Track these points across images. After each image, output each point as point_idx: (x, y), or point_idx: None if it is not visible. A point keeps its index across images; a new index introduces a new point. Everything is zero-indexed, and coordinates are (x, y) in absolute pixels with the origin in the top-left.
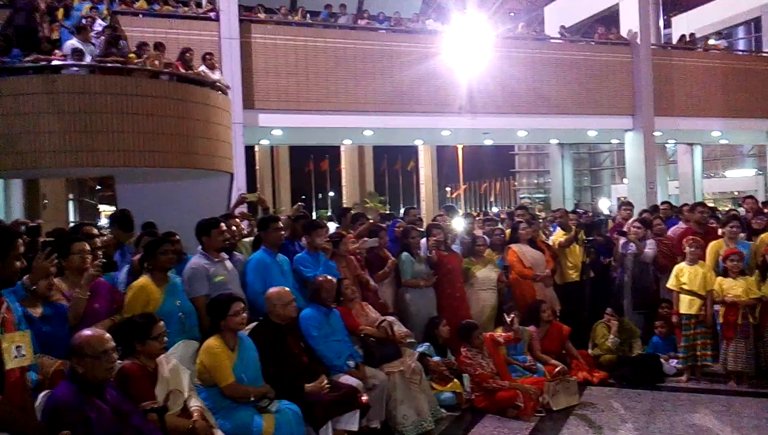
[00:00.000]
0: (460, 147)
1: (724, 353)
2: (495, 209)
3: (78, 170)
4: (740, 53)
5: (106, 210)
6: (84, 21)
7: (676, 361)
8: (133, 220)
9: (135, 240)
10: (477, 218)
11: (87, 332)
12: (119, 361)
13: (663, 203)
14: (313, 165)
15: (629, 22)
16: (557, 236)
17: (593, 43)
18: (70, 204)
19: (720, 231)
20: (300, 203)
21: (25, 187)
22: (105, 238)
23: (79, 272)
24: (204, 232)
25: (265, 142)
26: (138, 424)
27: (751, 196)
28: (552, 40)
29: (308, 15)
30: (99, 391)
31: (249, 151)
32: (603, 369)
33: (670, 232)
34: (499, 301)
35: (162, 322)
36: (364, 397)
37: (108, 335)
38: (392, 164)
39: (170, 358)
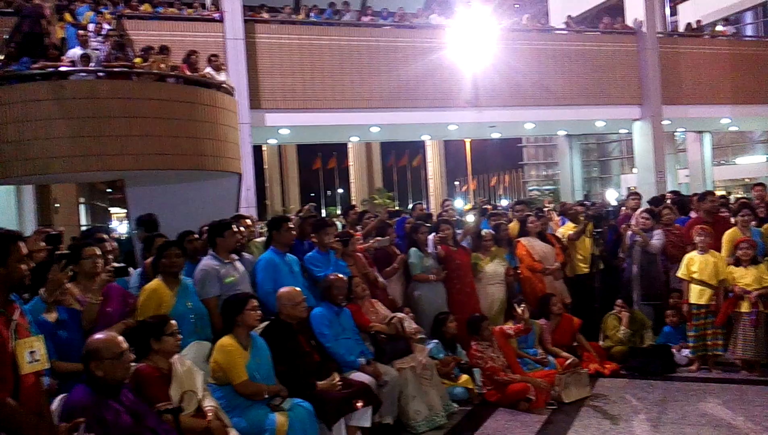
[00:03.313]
0: (467, 141)
1: (734, 341)
2: (504, 202)
3: (88, 175)
4: (748, 39)
5: (117, 213)
6: (92, 26)
7: (687, 350)
8: (158, 223)
9: (142, 243)
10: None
11: (100, 336)
12: (134, 364)
13: (671, 192)
14: (321, 163)
15: (635, 11)
16: (566, 229)
17: (599, 33)
18: (82, 208)
19: (732, 220)
20: (311, 203)
21: (36, 192)
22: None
23: (91, 277)
24: (218, 233)
25: (272, 141)
26: (153, 425)
27: (761, 184)
28: (557, 31)
29: (311, 14)
30: (114, 394)
31: (257, 150)
32: (614, 360)
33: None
34: (508, 295)
35: (174, 321)
36: (359, 404)
37: (121, 337)
38: (400, 160)
39: (184, 360)
